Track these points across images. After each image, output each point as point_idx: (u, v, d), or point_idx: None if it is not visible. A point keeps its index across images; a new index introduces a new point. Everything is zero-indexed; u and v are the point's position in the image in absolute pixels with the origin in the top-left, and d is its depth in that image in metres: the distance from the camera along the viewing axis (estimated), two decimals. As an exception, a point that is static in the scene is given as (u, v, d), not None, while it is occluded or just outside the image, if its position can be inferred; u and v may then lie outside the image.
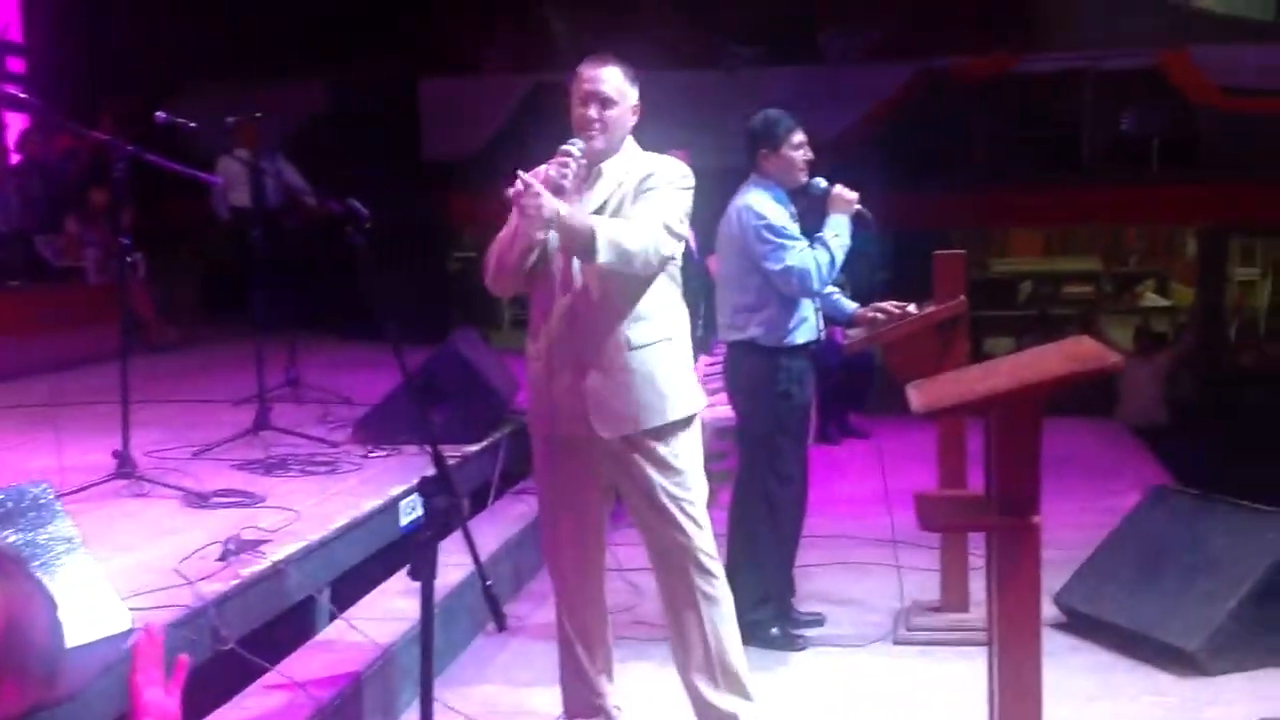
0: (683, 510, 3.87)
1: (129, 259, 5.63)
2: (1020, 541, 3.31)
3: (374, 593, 4.80)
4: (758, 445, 5.09)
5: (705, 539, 3.92)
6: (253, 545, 4.23)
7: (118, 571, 3.81)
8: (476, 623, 5.09)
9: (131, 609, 3.49)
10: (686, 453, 3.89)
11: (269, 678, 3.92)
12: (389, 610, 4.56)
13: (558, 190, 3.63)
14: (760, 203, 4.99)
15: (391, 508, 5.11)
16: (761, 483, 5.07)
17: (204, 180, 6.37)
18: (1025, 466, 3.29)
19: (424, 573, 3.00)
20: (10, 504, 3.40)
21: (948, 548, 5.31)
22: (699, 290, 6.58)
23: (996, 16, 14.33)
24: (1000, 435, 3.30)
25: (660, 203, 3.78)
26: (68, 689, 3.00)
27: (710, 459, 6.23)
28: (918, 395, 3.45)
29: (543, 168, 3.77)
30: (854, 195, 5.07)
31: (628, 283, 3.75)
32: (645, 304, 3.82)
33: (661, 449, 3.84)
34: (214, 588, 3.84)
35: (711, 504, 4.06)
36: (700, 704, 3.95)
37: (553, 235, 3.75)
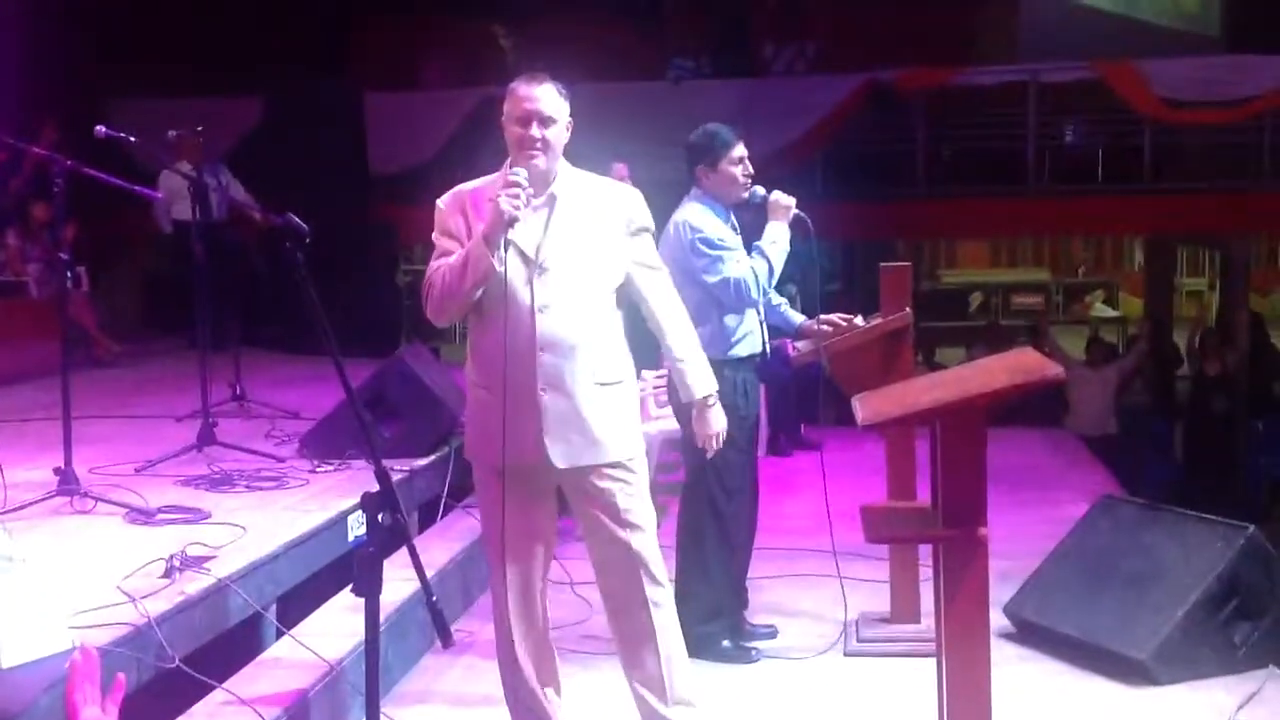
0: (634, 524, 3.88)
1: (70, 273, 5.59)
2: (967, 552, 3.34)
3: (322, 609, 4.78)
4: (703, 458, 5.10)
5: (655, 551, 3.94)
6: (198, 562, 4.21)
7: (60, 590, 3.78)
8: (426, 639, 5.07)
9: (75, 628, 3.46)
10: (640, 474, 3.94)
11: (215, 695, 3.89)
12: (337, 627, 4.54)
13: (512, 223, 3.62)
14: (696, 216, 5.01)
15: (339, 523, 5.09)
16: (708, 496, 5.08)
17: (144, 195, 6.33)
18: (970, 478, 3.32)
19: (368, 589, 2.99)
20: (-51, 523, 3.37)
21: (897, 559, 5.34)
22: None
23: (939, 29, 14.48)
24: (945, 447, 3.34)
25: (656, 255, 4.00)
26: (7, 710, 2.97)
27: (660, 470, 6.25)
28: (863, 407, 3.48)
29: (508, 201, 3.64)
30: (790, 200, 5.10)
31: (604, 319, 3.83)
32: (612, 341, 3.85)
33: (617, 473, 3.87)
34: (159, 605, 3.82)
35: (661, 517, 4.07)
36: (650, 716, 3.96)
37: (512, 263, 3.69)
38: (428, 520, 6.15)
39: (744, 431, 5.10)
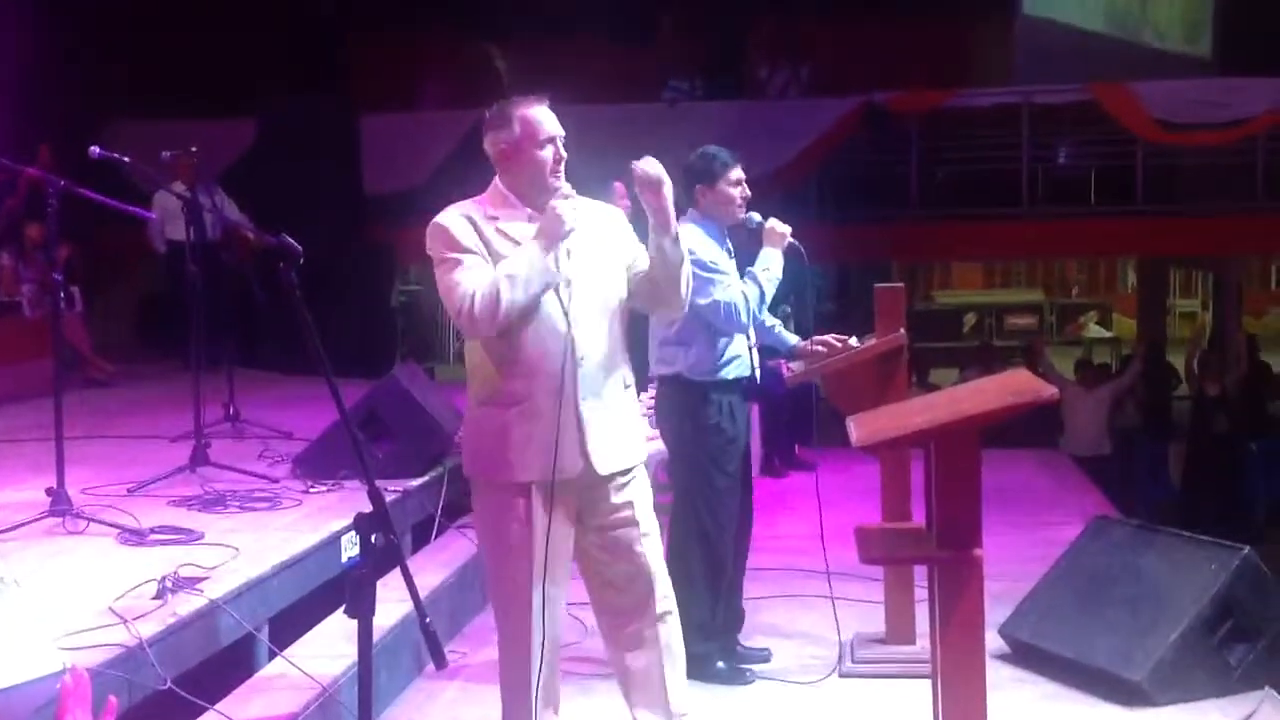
0: (651, 533, 3.92)
1: (64, 294, 5.59)
2: (962, 573, 3.33)
3: (314, 630, 4.75)
4: (689, 480, 5.10)
5: (665, 572, 3.96)
6: (190, 583, 4.19)
7: (52, 611, 3.76)
8: (419, 661, 5.05)
9: (66, 649, 3.44)
10: (649, 486, 3.98)
11: (207, 717, 3.88)
12: (329, 648, 4.51)
13: (568, 234, 3.68)
14: (690, 237, 4.99)
15: (332, 544, 5.07)
16: (695, 517, 5.07)
17: (138, 215, 6.32)
18: (965, 499, 3.32)
19: (361, 610, 2.98)
20: (-61, 544, 3.36)
21: (892, 580, 5.33)
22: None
23: (933, 52, 14.53)
24: (940, 468, 3.33)
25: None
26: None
27: (656, 490, 6.20)
28: (857, 428, 3.48)
29: (568, 209, 3.68)
30: (786, 229, 5.10)
31: (622, 329, 3.88)
32: (627, 349, 3.92)
33: (641, 481, 3.91)
34: (150, 626, 3.80)
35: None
36: None
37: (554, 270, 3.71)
38: (421, 541, 6.13)
39: (732, 456, 5.09)
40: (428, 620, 3.10)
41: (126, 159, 5.62)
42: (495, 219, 3.73)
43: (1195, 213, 13.60)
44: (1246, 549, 4.97)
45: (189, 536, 4.86)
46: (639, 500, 3.89)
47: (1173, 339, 18.36)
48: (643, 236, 3.91)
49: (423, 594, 3.29)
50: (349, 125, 12.75)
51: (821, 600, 5.74)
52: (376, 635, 3.13)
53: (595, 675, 4.87)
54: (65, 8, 12.10)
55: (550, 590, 3.82)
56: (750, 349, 5.11)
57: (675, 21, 14.74)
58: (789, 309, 7.47)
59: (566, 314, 3.72)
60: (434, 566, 5.73)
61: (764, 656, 5.35)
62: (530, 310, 3.69)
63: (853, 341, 5.26)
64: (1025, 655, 5.25)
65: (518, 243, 3.71)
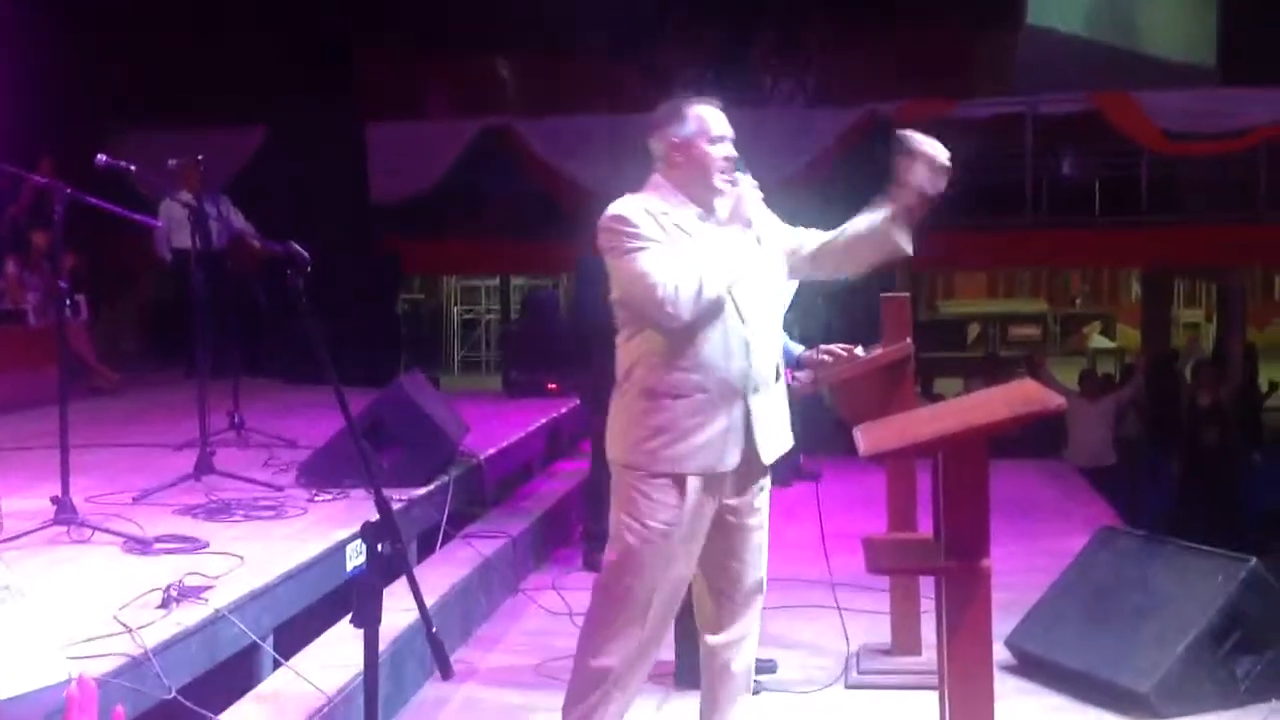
0: (765, 535, 4.00)
1: (69, 302, 5.59)
2: (970, 584, 3.32)
3: (319, 640, 4.74)
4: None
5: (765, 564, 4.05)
6: (195, 592, 4.17)
7: (57, 620, 3.75)
8: (425, 670, 5.04)
9: (71, 658, 3.43)
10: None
11: (211, 727, 3.86)
12: (334, 658, 4.50)
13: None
14: None
15: (337, 553, 5.06)
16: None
17: (144, 223, 6.32)
18: (973, 509, 3.31)
19: (367, 619, 2.96)
20: (-55, 552, 3.34)
21: (898, 590, 5.31)
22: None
23: (937, 62, 14.52)
24: (948, 478, 3.32)
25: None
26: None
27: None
28: (864, 438, 3.46)
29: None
30: None
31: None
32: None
33: (768, 477, 3.97)
34: (155, 636, 3.78)
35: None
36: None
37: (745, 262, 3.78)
38: (426, 550, 6.12)
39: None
40: (435, 630, 3.08)
41: (133, 167, 5.61)
42: (665, 214, 3.76)
43: (1199, 223, 13.59)
44: (1254, 560, 4.95)
45: (194, 545, 4.85)
46: (766, 494, 3.97)
47: (1178, 350, 18.30)
48: None
49: (428, 602, 3.27)
50: (355, 134, 12.76)
51: (825, 610, 5.73)
52: (382, 644, 3.12)
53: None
54: (72, 16, 12.11)
55: (679, 578, 3.87)
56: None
57: (680, 32, 14.76)
58: (793, 317, 7.45)
59: (739, 309, 3.78)
60: (439, 575, 5.72)
61: (770, 667, 5.32)
62: (722, 302, 3.73)
63: (859, 351, 5.24)
64: (1031, 666, 5.23)
65: (689, 235, 3.74)
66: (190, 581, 4.24)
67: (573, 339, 6.57)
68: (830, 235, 4.02)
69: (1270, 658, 4.86)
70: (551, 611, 6.02)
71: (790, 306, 5.15)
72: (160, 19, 13.45)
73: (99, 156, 5.51)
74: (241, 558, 4.66)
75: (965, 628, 3.34)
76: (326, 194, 11.65)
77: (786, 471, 9.28)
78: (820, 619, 5.82)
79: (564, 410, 9.36)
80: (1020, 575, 6.00)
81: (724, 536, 3.92)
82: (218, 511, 5.48)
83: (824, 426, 9.60)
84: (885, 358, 5.14)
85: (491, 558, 6.16)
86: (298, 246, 3.10)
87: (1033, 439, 10.58)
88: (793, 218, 5.28)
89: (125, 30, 12.96)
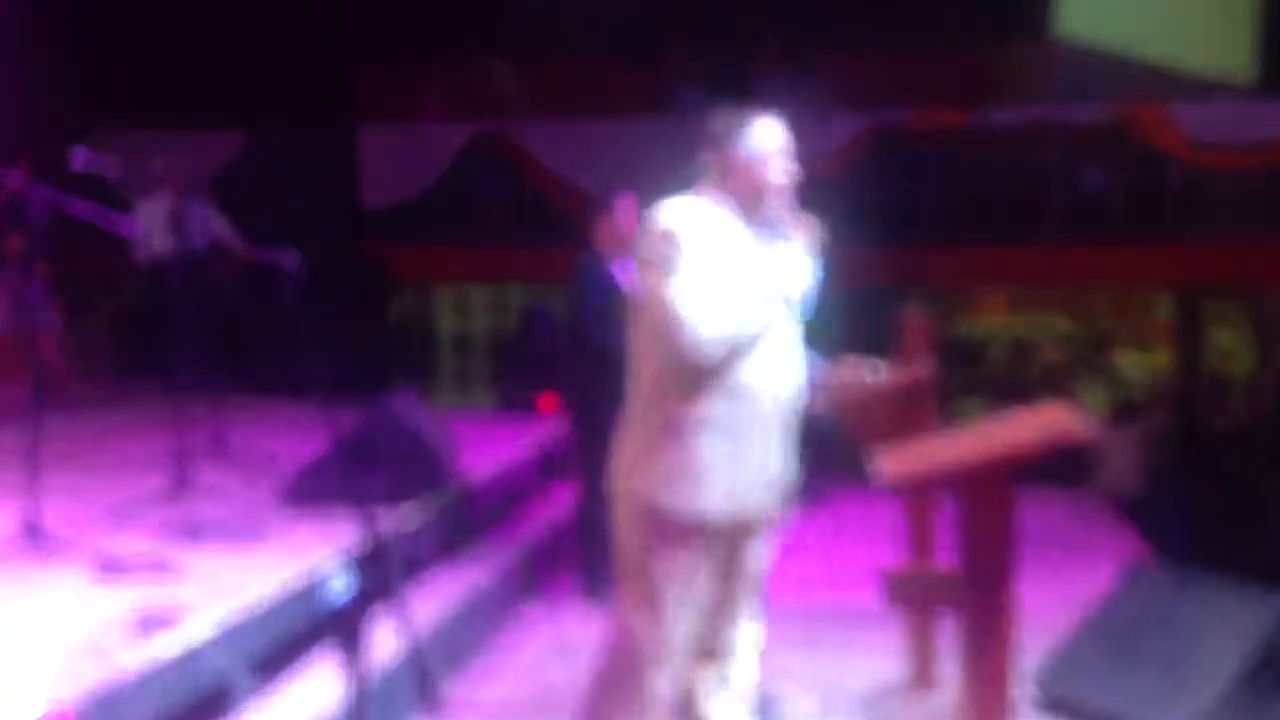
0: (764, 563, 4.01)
1: (41, 310, 5.58)
2: (992, 618, 3.31)
3: (299, 669, 4.72)
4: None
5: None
6: (170, 619, 4.16)
7: (23, 647, 3.73)
8: (412, 701, 5.01)
9: (39, 688, 3.41)
10: None
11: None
12: (316, 687, 4.48)
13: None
14: None
15: (320, 578, 5.03)
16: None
17: (122, 228, 6.32)
18: (997, 540, 3.30)
19: (352, 648, 2.95)
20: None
21: (914, 623, 5.29)
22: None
23: (955, 67, 14.53)
24: (971, 508, 3.31)
25: None
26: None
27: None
28: (885, 465, 3.45)
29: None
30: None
31: None
32: None
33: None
34: (128, 664, 3.76)
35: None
36: None
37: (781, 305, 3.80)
38: (414, 575, 6.09)
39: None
40: (423, 659, 3.07)
41: (114, 169, 5.61)
42: (719, 229, 3.72)
43: (1230, 240, 13.58)
44: (1287, 597, 4.93)
45: (170, 568, 4.83)
46: (762, 549, 3.96)
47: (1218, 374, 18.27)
48: None
49: (417, 630, 3.26)
50: (346, 138, 12.78)
51: (839, 642, 5.72)
52: (367, 674, 3.10)
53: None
54: (53, 21, 12.13)
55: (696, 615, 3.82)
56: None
57: (684, 38, 14.78)
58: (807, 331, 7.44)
59: (781, 337, 3.79)
60: (428, 601, 5.69)
61: (779, 702, 5.31)
62: (761, 335, 3.70)
63: (873, 371, 5.23)
64: (1058, 706, 5.20)
65: (736, 254, 3.70)
66: (166, 606, 4.22)
67: (571, 356, 6.54)
68: None
69: (1308, 699, 4.84)
70: (546, 642, 6.00)
71: (805, 320, 5.15)
72: (148, 21, 13.47)
73: (78, 154, 5.50)
74: (219, 582, 4.64)
75: (987, 664, 3.32)
76: (316, 199, 11.65)
77: (793, 495, 9.29)
78: (835, 651, 5.80)
79: (559, 430, 9.34)
80: (1045, 609, 5.97)
81: (736, 565, 3.90)
82: (195, 532, 5.46)
83: (833, 448, 9.58)
84: (904, 379, 5.13)
85: (481, 585, 6.14)
86: (286, 255, 3.09)
87: (1058, 466, 10.54)
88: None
89: (108, 34, 12.98)
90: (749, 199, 3.79)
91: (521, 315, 15.49)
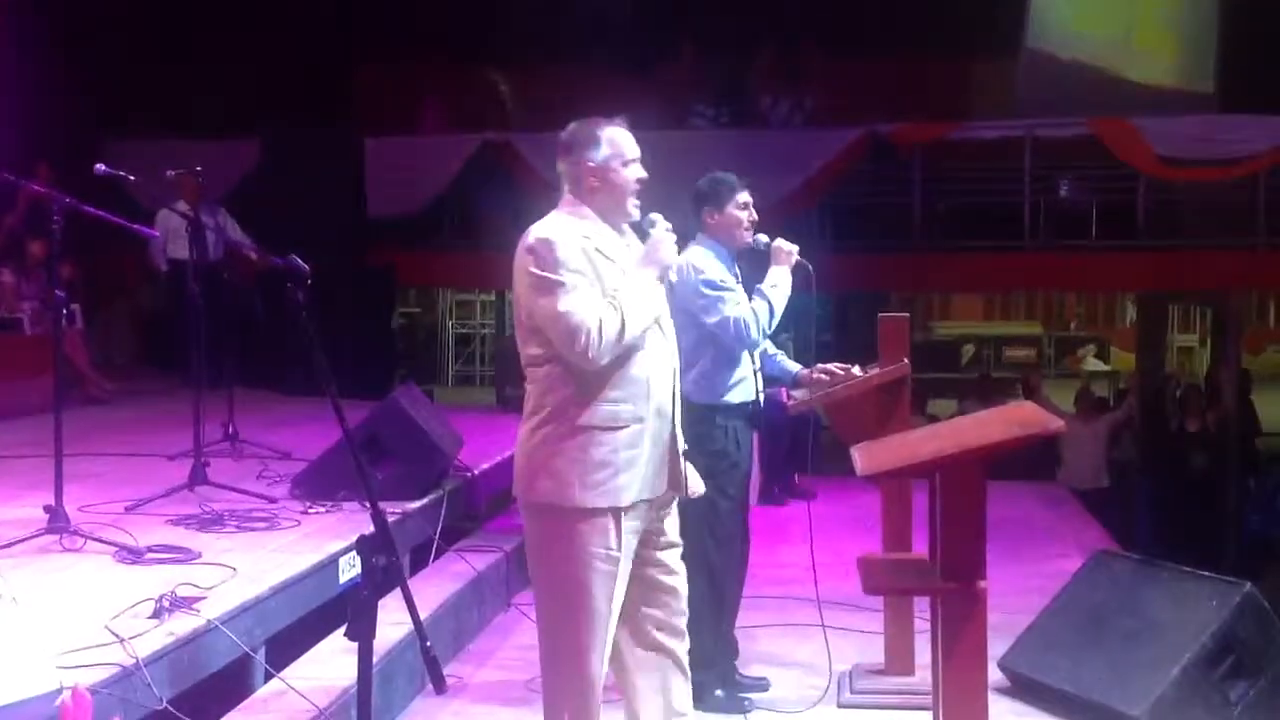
0: (680, 556, 3.97)
1: (65, 310, 5.57)
2: (966, 606, 3.32)
3: (311, 652, 4.73)
4: (692, 505, 5.07)
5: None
6: (187, 602, 4.16)
7: (48, 629, 3.74)
8: (416, 683, 5.02)
9: (62, 668, 3.41)
10: None
11: (202, 739, 3.85)
12: (327, 670, 4.49)
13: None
14: (700, 259, 5.04)
15: (330, 565, 5.05)
16: (698, 543, 5.02)
17: (141, 233, 6.32)
18: (970, 530, 3.31)
19: (362, 633, 2.96)
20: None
21: (892, 610, 5.31)
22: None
23: (936, 84, 14.56)
24: (945, 499, 3.32)
25: None
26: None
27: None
28: (862, 457, 3.46)
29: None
30: (793, 248, 5.13)
31: None
32: None
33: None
34: (147, 646, 3.77)
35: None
36: None
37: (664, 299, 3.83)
38: (419, 564, 6.11)
39: (735, 479, 5.08)
40: (428, 644, 3.08)
41: (131, 177, 5.61)
42: (588, 238, 3.71)
43: (1196, 248, 13.62)
44: (1248, 585, 4.95)
45: (186, 556, 4.83)
46: (675, 515, 3.95)
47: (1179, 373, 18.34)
48: None
49: (421, 616, 3.26)
50: (352, 146, 12.76)
51: (819, 629, 5.72)
52: (375, 657, 3.11)
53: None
54: (72, 26, 12.12)
55: (614, 617, 3.79)
56: (755, 373, 5.11)
57: (680, 49, 14.79)
58: (787, 336, 7.46)
59: (665, 333, 3.81)
60: (432, 589, 5.71)
61: (762, 686, 5.32)
62: (642, 339, 3.72)
63: (855, 370, 5.25)
64: (1025, 689, 5.22)
65: (612, 261, 3.71)
66: (182, 592, 4.23)
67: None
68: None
69: (1264, 682, 4.86)
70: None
71: (786, 326, 5.17)
72: (161, 31, 13.46)
73: (98, 165, 5.52)
74: (234, 569, 4.65)
75: (960, 649, 3.33)
76: (322, 206, 11.63)
77: (780, 491, 9.30)
78: (814, 638, 5.80)
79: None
80: (1014, 597, 6.00)
81: (652, 563, 3.88)
82: (211, 522, 5.47)
83: (817, 446, 9.61)
84: (882, 377, 5.15)
85: (484, 572, 6.15)
86: (298, 259, 3.10)
87: (1026, 461, 10.58)
88: (787, 236, 5.30)
89: (125, 42, 12.96)
90: (608, 202, 3.79)
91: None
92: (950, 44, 14.39)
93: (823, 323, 13.53)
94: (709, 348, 4.97)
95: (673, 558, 3.92)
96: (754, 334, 4.96)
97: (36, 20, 11.43)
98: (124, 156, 9.61)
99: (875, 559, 3.91)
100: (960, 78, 15.11)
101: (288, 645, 4.69)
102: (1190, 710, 4.75)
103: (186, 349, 6.85)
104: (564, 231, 3.69)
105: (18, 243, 10.54)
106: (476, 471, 6.96)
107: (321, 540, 5.25)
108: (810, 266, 5.15)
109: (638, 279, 3.71)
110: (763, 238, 5.14)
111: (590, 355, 3.58)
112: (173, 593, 4.18)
